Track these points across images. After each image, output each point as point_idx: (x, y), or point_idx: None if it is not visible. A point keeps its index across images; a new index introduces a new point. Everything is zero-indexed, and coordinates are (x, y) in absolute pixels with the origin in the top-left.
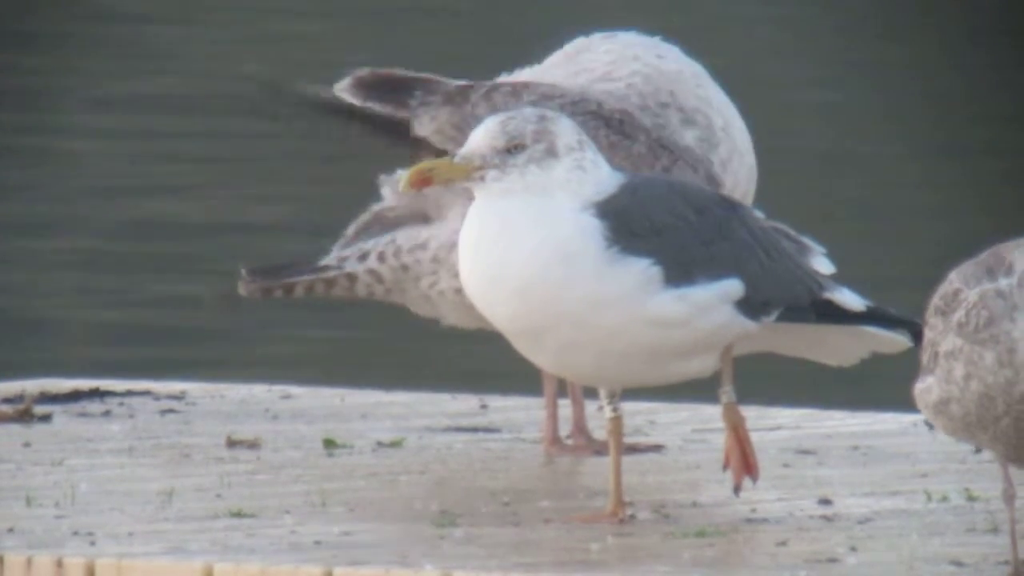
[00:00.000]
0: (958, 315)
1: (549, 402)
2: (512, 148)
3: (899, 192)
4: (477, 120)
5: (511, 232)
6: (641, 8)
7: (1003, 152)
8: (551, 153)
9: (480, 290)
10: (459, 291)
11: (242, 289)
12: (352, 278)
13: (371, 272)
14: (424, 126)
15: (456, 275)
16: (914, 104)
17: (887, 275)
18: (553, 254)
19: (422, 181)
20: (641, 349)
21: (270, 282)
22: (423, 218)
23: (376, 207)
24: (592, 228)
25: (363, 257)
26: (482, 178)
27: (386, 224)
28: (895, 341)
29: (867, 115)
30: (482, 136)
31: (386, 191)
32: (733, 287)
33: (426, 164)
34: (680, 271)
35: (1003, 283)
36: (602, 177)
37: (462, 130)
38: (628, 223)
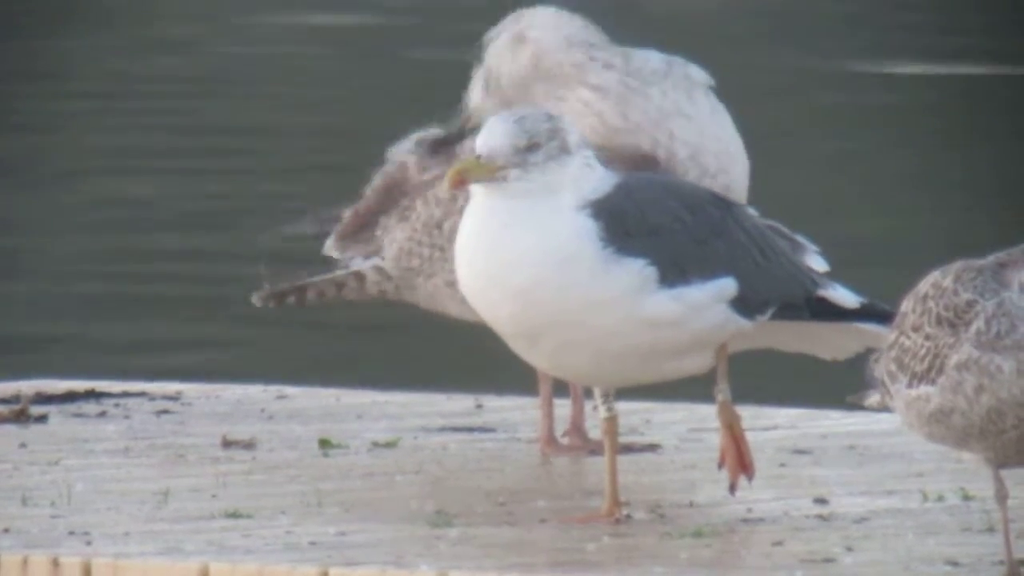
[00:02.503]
0: (976, 325)
1: (544, 402)
2: (531, 146)
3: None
4: (419, 228)
5: (511, 234)
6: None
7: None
8: (564, 150)
9: (479, 291)
10: (451, 284)
11: (257, 301)
12: (360, 277)
13: (378, 270)
14: (390, 252)
15: (448, 269)
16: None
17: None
18: (552, 257)
19: (460, 182)
20: (636, 349)
21: (282, 289)
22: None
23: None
24: (589, 229)
25: (368, 255)
26: (505, 177)
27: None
28: (886, 337)
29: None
30: (501, 136)
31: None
32: (727, 286)
33: (461, 165)
34: (675, 271)
35: (1018, 290)
36: (599, 176)
37: (417, 241)
38: (623, 223)
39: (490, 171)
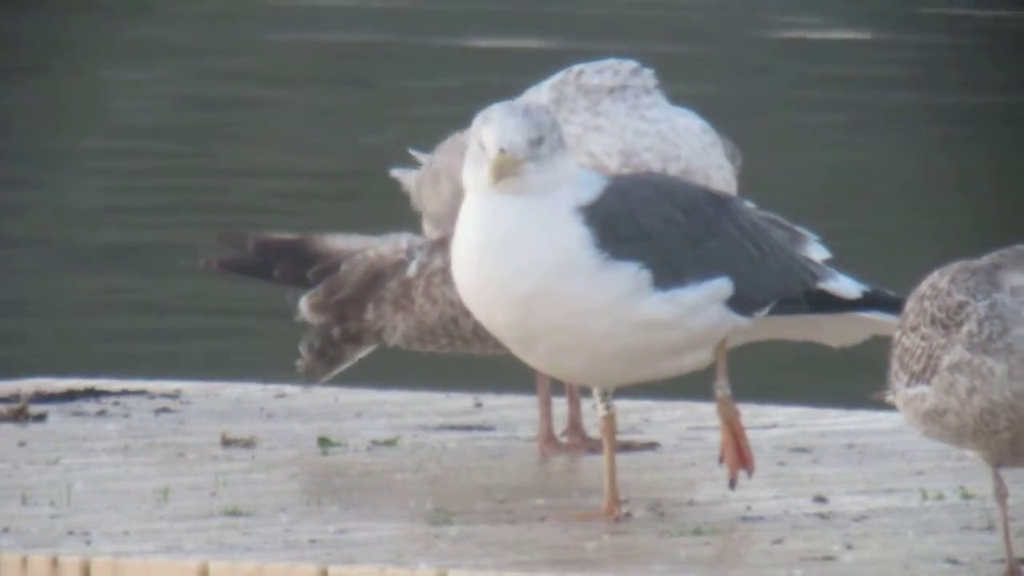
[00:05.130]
0: (968, 327)
1: (543, 400)
2: (539, 139)
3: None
4: (430, 324)
5: (513, 244)
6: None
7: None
8: (562, 142)
9: (478, 298)
10: (485, 350)
11: (302, 371)
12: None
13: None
14: (393, 338)
15: (479, 344)
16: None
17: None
18: (552, 267)
19: (500, 177)
20: (633, 351)
21: (324, 321)
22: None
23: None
24: (583, 235)
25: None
26: (523, 172)
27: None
28: (890, 325)
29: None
30: (515, 130)
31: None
32: (723, 286)
33: (496, 163)
34: (669, 273)
35: (1009, 293)
36: (589, 176)
37: (430, 332)
38: (615, 227)
39: (514, 165)
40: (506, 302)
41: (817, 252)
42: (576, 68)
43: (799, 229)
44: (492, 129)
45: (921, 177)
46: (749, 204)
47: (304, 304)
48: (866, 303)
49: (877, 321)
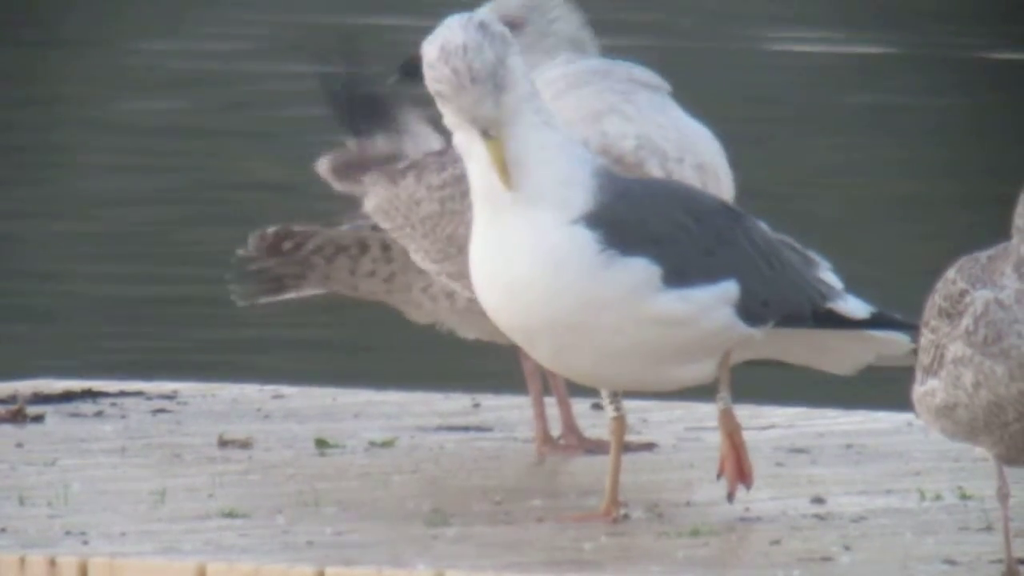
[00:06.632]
0: (966, 322)
1: (536, 402)
2: (497, 79)
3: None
4: (402, 198)
5: (507, 239)
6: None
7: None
8: (506, 46)
9: (479, 286)
10: (450, 295)
11: (253, 245)
12: (363, 246)
13: (383, 245)
14: (370, 204)
15: (417, 254)
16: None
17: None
18: (544, 264)
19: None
20: (642, 349)
21: (282, 231)
22: None
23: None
24: (591, 239)
25: (377, 228)
26: (494, 135)
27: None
28: (897, 343)
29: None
30: (479, 102)
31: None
32: (730, 289)
33: (499, 162)
34: (677, 276)
35: (1004, 294)
36: (599, 182)
37: (395, 207)
38: (624, 231)
39: (499, 138)
40: (495, 294)
41: (828, 279)
42: (626, 64)
43: (811, 255)
44: (456, 112)
45: (924, 195)
46: (763, 225)
47: (330, 156)
48: (873, 323)
49: (884, 340)
